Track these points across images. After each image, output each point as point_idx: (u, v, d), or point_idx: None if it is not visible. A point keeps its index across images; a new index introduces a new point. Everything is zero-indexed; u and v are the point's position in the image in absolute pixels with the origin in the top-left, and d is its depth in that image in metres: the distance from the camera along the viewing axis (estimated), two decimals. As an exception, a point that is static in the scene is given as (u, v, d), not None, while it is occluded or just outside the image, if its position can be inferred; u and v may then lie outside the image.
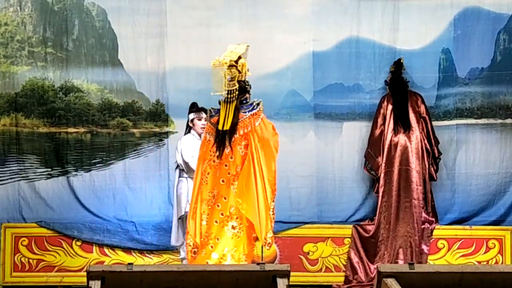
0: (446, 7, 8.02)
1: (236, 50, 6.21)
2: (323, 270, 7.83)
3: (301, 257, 7.81)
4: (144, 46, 7.95)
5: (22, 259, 7.71)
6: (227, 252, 5.95)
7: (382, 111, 7.93)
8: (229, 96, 6.06)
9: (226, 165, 6.08)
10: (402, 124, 7.84)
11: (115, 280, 4.83)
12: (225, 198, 6.05)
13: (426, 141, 7.87)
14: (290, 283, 5.02)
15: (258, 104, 6.15)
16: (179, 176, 7.16)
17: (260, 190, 6.01)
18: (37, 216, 7.81)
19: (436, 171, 7.90)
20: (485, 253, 7.81)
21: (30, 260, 7.71)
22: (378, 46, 8.03)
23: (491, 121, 8.07)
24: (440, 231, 7.79)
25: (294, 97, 8.04)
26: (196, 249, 6.08)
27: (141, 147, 8.03)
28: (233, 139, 6.04)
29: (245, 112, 6.13)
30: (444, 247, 7.80)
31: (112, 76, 8.00)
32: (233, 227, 6.02)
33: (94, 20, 8.01)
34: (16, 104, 7.91)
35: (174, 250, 7.44)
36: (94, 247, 7.75)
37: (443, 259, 7.77)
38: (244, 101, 6.17)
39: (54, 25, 7.97)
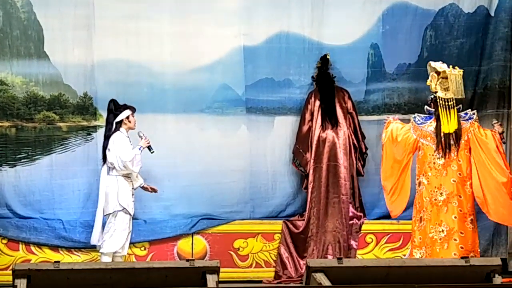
0: (374, 2, 8.11)
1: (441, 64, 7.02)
2: (253, 265, 7.84)
3: (231, 253, 7.80)
4: (71, 38, 7.80)
5: None
6: (470, 245, 6.81)
7: (309, 107, 7.98)
8: (449, 102, 6.82)
9: (454, 167, 6.80)
10: (330, 120, 7.90)
11: (42, 279, 4.78)
12: (460, 196, 6.85)
13: (353, 136, 7.96)
14: (220, 279, 5.02)
15: (474, 114, 6.88)
16: (108, 173, 7.06)
17: (494, 187, 6.82)
18: (-40, 212, 7.60)
19: (363, 166, 8.00)
20: (412, 247, 7.96)
21: (-47, 259, 7.50)
22: (307, 41, 8.07)
23: (418, 116, 8.21)
24: (368, 225, 7.89)
25: (226, 91, 8.02)
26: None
27: (68, 142, 7.87)
28: (459, 143, 6.77)
29: (464, 120, 6.91)
30: (372, 241, 7.91)
31: (38, 69, 7.81)
32: (471, 222, 6.87)
33: (19, 11, 7.81)
34: None
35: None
36: (20, 245, 7.57)
37: (371, 253, 7.87)
38: (458, 109, 6.86)
39: (-23, 15, 7.74)
